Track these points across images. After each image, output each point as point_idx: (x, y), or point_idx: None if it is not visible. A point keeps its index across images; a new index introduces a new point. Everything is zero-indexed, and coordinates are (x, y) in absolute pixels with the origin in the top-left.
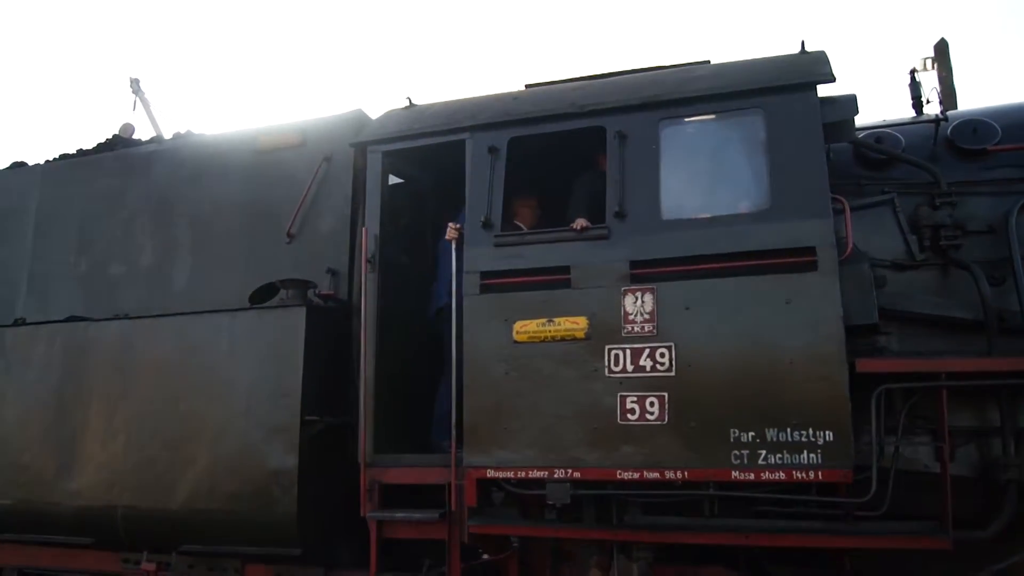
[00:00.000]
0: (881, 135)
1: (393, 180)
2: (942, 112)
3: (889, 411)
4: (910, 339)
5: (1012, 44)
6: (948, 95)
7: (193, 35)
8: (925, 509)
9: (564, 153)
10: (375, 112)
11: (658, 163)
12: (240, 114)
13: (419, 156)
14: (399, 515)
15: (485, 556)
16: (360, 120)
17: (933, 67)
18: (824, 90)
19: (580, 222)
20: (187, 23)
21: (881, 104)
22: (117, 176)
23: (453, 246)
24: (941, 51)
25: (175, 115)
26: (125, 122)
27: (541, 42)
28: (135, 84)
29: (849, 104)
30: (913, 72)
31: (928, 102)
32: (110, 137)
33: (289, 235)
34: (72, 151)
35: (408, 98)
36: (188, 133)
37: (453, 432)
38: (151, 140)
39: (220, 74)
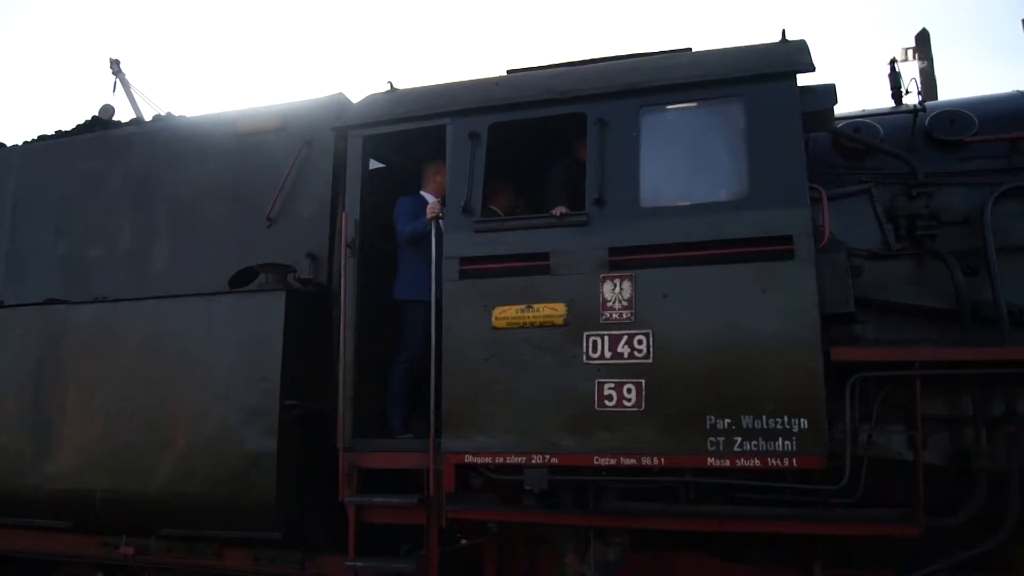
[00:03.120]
0: (859, 125)
1: (374, 165)
2: (920, 103)
3: (864, 399)
4: (886, 328)
5: (992, 34)
6: (929, 86)
7: (175, 16)
8: (898, 497)
9: (543, 140)
10: (357, 96)
11: (638, 150)
12: (222, 97)
13: (400, 141)
14: (377, 500)
15: (463, 541)
16: (341, 104)
17: (914, 57)
18: (804, 79)
19: (560, 209)
20: (169, 4)
21: (861, 94)
22: (96, 158)
23: (432, 227)
24: (922, 41)
25: (156, 97)
26: (105, 104)
27: (524, 28)
28: (115, 65)
29: (828, 94)
30: (893, 62)
31: (907, 92)
32: (89, 119)
33: (269, 219)
34: (51, 133)
35: (389, 82)
36: (168, 116)
37: (432, 417)
38: (131, 122)
39: (202, 56)
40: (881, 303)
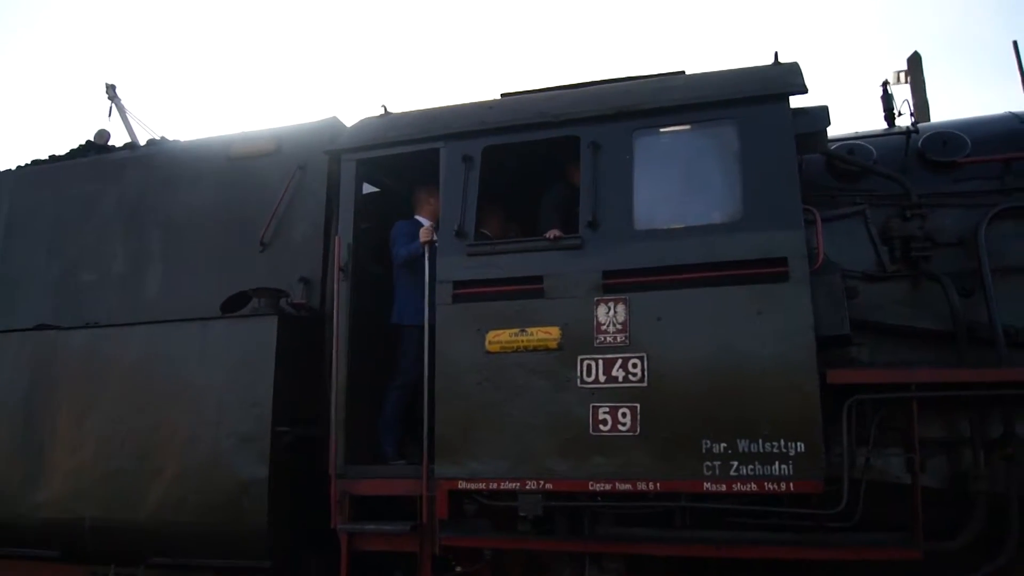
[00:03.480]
0: (853, 147)
1: (368, 189)
2: (913, 124)
3: (860, 422)
4: (881, 350)
5: (985, 58)
6: (921, 108)
7: (171, 41)
8: (896, 520)
9: (537, 164)
10: (351, 119)
11: (631, 173)
12: (218, 121)
13: (394, 165)
14: (369, 527)
15: (458, 569)
16: (335, 128)
17: (906, 80)
18: (797, 101)
19: (553, 232)
20: (165, 29)
21: (853, 116)
22: (90, 182)
23: (426, 251)
24: (914, 64)
25: (152, 122)
26: (100, 128)
27: (519, 51)
28: (111, 90)
29: (821, 115)
30: (885, 84)
31: (900, 114)
32: (83, 143)
33: (262, 243)
34: (45, 157)
35: (383, 106)
36: (163, 140)
37: (425, 443)
38: (124, 146)
39: (198, 80)
40: (876, 325)
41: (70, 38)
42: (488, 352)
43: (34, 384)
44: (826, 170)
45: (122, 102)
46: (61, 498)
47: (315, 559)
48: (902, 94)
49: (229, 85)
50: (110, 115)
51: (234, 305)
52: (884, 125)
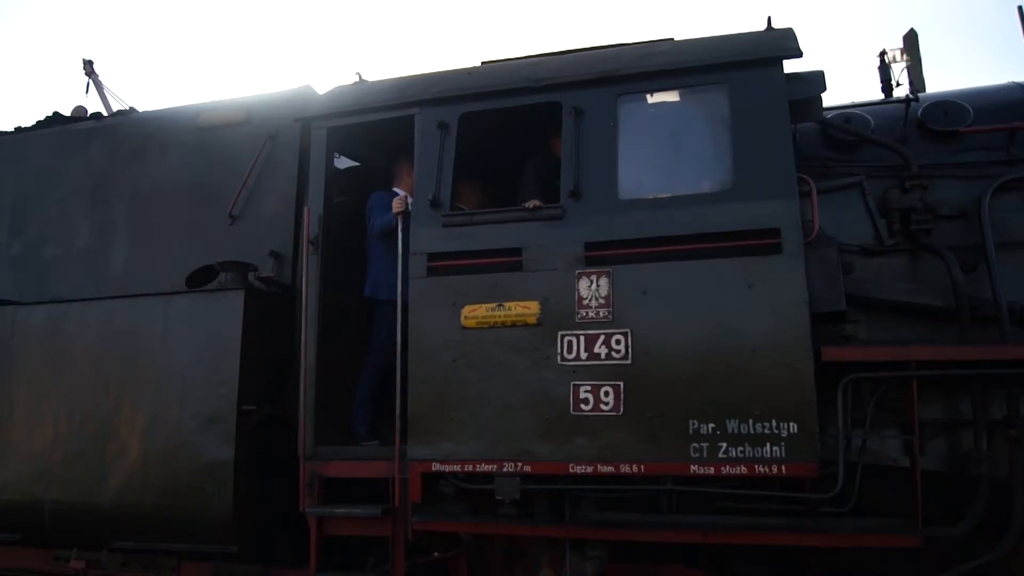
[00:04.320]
0: (849, 115)
1: (348, 163)
2: (913, 93)
3: (856, 403)
4: (879, 327)
5: (982, 35)
6: (917, 86)
7: (149, 13)
8: (893, 505)
9: (515, 134)
10: (325, 89)
11: (616, 140)
12: (194, 93)
13: (369, 135)
14: (339, 511)
15: (435, 554)
16: (308, 97)
17: (903, 58)
18: (791, 67)
19: (533, 202)
20: (142, 3)
21: (849, 90)
22: (53, 154)
23: (400, 222)
24: (910, 42)
25: (130, 98)
26: (77, 105)
27: (503, 23)
28: (88, 66)
29: (816, 80)
30: (883, 54)
31: (898, 85)
32: (50, 115)
33: (231, 216)
34: (9, 130)
35: (358, 74)
36: (131, 111)
37: (398, 424)
38: (90, 117)
39: (173, 53)
40: (874, 301)
41: (45, 13)
42: (464, 328)
43: None
44: (821, 140)
45: (99, 78)
46: (20, 480)
47: (286, 543)
48: (898, 72)
49: (205, 56)
50: (87, 91)
51: (200, 279)
52: (881, 96)
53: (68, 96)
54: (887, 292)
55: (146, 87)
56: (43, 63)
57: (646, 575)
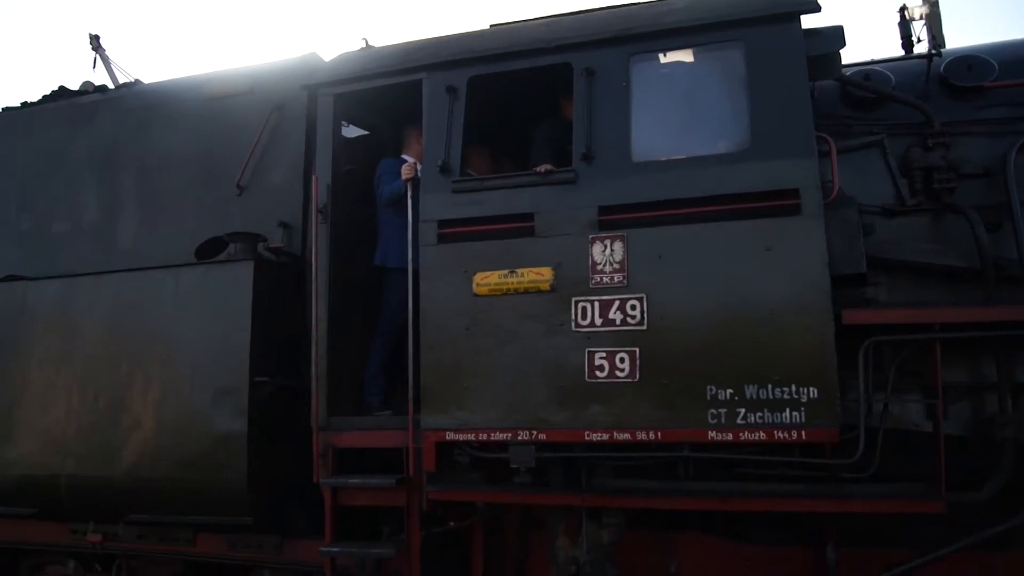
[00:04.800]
0: (869, 72)
1: (357, 132)
2: (935, 48)
3: (877, 366)
4: (900, 290)
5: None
6: (938, 42)
7: None
8: (915, 470)
9: (525, 99)
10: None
11: (628, 101)
12: (203, 67)
13: (376, 101)
14: (353, 481)
15: (451, 524)
16: (314, 65)
17: (922, 18)
18: (809, 23)
19: (544, 166)
20: None
21: (868, 48)
22: (59, 128)
23: (409, 188)
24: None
25: (138, 72)
26: (85, 80)
27: None
28: (95, 41)
29: (835, 36)
30: (903, 9)
31: (919, 40)
32: (56, 89)
33: (239, 187)
34: (17, 105)
35: (364, 40)
36: (136, 83)
37: (411, 393)
38: (95, 90)
39: (181, 27)
40: (894, 263)
41: None
42: (476, 295)
43: (3, 338)
44: (839, 98)
45: (106, 52)
46: (36, 455)
47: (300, 514)
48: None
49: (210, 27)
50: (95, 66)
51: (209, 251)
52: (902, 53)
53: (75, 72)
54: (909, 253)
55: (152, 60)
56: (49, 39)
57: (662, 542)
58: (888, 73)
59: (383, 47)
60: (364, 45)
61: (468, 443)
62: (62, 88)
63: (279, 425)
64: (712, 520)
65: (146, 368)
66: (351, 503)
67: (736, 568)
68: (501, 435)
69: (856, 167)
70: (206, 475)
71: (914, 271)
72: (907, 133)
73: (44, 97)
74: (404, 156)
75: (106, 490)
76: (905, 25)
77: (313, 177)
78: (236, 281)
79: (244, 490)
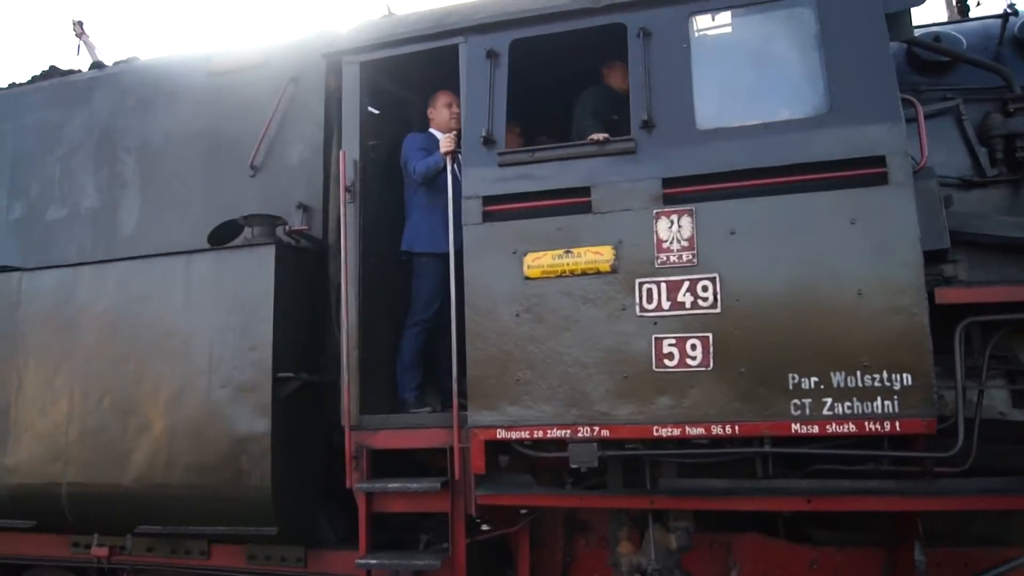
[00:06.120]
0: (939, 34)
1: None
2: (1011, 6)
3: (967, 350)
4: (980, 267)
5: None
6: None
7: None
8: (1000, 463)
9: (559, 69)
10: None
11: (689, 64)
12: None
13: (404, 72)
14: (393, 486)
15: (484, 527)
16: (332, 35)
17: None
18: None
19: (600, 135)
20: None
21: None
22: (53, 108)
23: (448, 164)
24: None
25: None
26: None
27: None
28: (79, 27)
29: None
30: None
31: (978, 4)
32: (46, 69)
33: (252, 167)
34: (4, 86)
35: (387, 7)
36: (132, 59)
37: (455, 387)
38: (92, 66)
39: (170, 16)
40: (975, 238)
41: None
42: (527, 278)
43: None
44: (905, 62)
45: (91, 39)
46: (34, 462)
47: (331, 520)
48: None
49: (203, 15)
50: (78, 53)
51: (223, 236)
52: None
53: (59, 61)
54: (994, 227)
55: (141, 48)
56: (32, 26)
57: (722, 545)
58: (958, 35)
59: (409, 14)
60: (387, 13)
61: (520, 441)
62: (53, 68)
63: (304, 424)
64: (772, 520)
65: (156, 365)
66: (387, 509)
67: (802, 572)
68: (559, 432)
69: (929, 136)
70: (225, 481)
71: (995, 247)
72: (984, 98)
73: (34, 77)
74: (432, 131)
75: (112, 499)
76: None
77: (340, 152)
78: (256, 267)
79: (269, 497)
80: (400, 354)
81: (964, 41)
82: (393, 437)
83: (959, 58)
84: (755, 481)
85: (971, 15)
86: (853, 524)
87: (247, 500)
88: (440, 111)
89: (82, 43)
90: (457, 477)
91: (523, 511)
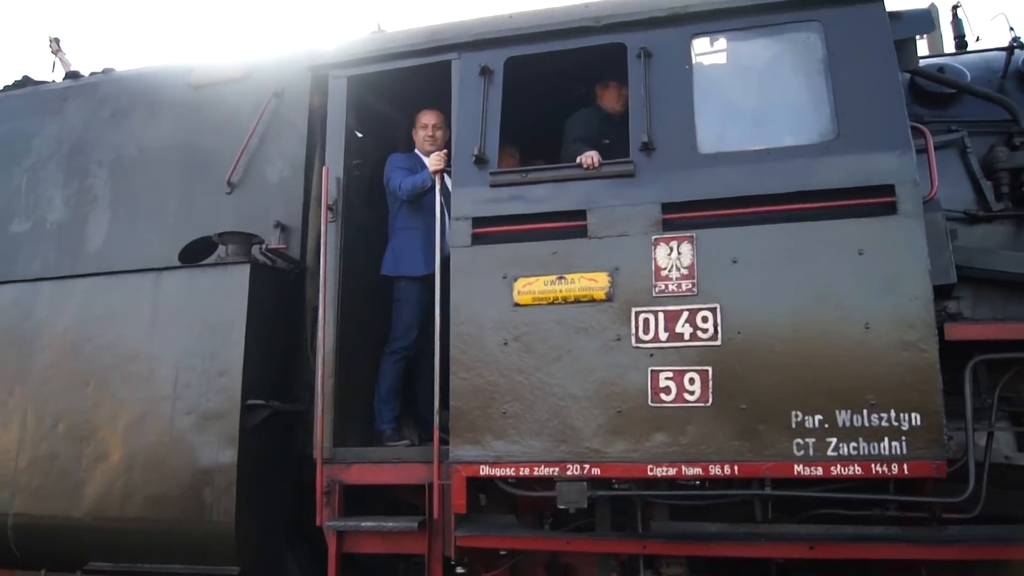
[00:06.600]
0: (943, 65)
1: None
2: (1015, 39)
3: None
4: (985, 304)
5: None
6: None
7: None
8: (1005, 508)
9: (551, 89)
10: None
11: (691, 86)
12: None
13: (391, 89)
14: (366, 524)
15: (459, 570)
16: (318, 49)
17: None
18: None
19: (593, 155)
20: None
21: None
22: (23, 118)
23: (436, 183)
24: None
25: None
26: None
27: None
28: (55, 43)
29: (922, 19)
30: (956, 8)
31: (978, 39)
32: (19, 79)
33: (230, 184)
34: None
35: (378, 24)
36: (108, 71)
37: (436, 419)
38: (66, 76)
39: (151, 32)
40: (979, 273)
41: None
42: (517, 305)
43: None
44: (909, 92)
45: (67, 56)
46: None
47: (299, 561)
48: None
49: (183, 31)
50: (54, 70)
51: (196, 254)
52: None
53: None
54: (1001, 263)
55: (121, 62)
56: (6, 39)
57: None
58: (962, 67)
59: (401, 30)
60: (377, 30)
61: (504, 479)
62: (26, 78)
63: (273, 456)
64: (763, 566)
65: (116, 389)
66: (359, 550)
67: None
68: (547, 469)
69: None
70: (186, 514)
71: (999, 283)
72: (989, 131)
73: (6, 87)
74: (417, 152)
75: (63, 533)
76: (958, 24)
77: (324, 169)
78: (228, 287)
79: (232, 533)
80: (378, 383)
81: (968, 73)
82: (368, 472)
83: (966, 90)
84: (753, 525)
85: (970, 49)
86: (847, 571)
87: (208, 536)
88: (417, 131)
89: (58, 60)
90: (436, 516)
91: (503, 553)
